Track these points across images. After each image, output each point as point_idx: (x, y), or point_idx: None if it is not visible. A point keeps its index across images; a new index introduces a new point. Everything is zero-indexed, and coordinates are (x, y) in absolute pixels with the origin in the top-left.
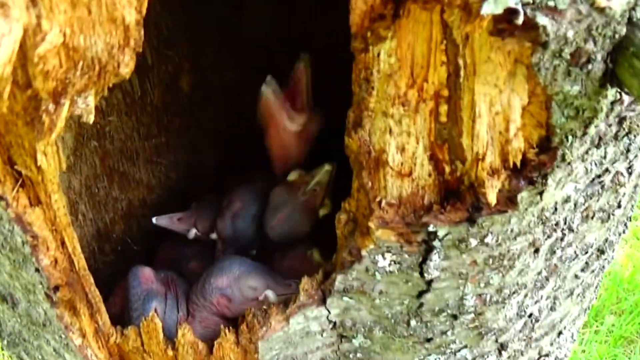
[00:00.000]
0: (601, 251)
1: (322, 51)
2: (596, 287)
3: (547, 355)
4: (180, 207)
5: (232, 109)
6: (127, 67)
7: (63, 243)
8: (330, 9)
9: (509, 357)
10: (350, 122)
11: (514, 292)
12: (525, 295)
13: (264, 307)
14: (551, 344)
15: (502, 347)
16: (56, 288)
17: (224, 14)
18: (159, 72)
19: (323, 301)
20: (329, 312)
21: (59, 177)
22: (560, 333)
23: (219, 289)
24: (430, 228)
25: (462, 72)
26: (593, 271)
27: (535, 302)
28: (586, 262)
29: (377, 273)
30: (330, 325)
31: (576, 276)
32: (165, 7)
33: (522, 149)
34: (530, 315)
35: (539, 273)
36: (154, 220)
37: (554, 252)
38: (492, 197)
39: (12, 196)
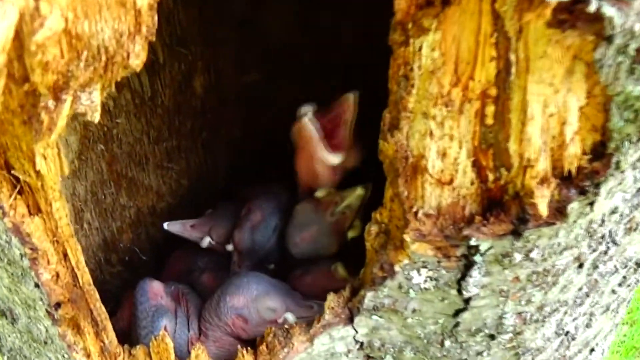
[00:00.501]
0: (639, 264)
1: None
2: (629, 302)
3: None
4: (191, 215)
5: (249, 113)
6: (137, 57)
7: (65, 256)
8: (356, 8)
9: None
10: (385, 124)
11: (554, 310)
12: (565, 313)
13: (286, 326)
14: None
15: None
16: (58, 305)
17: (244, 12)
18: (171, 72)
19: (350, 320)
20: (356, 331)
21: (61, 183)
22: (592, 350)
23: (234, 309)
24: (472, 242)
25: (513, 69)
26: (629, 285)
27: (573, 320)
28: (624, 276)
29: (411, 290)
30: (357, 346)
31: (613, 291)
32: (179, 1)
33: (578, 155)
34: (567, 333)
35: (580, 289)
36: (165, 225)
37: (597, 267)
38: (543, 208)
39: (9, 204)
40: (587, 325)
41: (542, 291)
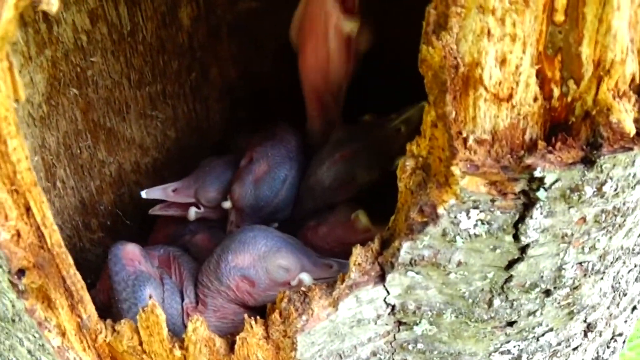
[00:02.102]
0: None
1: None
2: None
3: (620, 334)
4: (180, 172)
5: (245, 47)
6: None
7: (28, 210)
8: None
9: (591, 340)
10: (430, 23)
11: (616, 259)
12: (623, 263)
13: (302, 289)
14: (625, 321)
15: (588, 328)
16: (21, 272)
17: None
18: (154, 1)
19: (381, 278)
20: (388, 292)
21: (24, 128)
22: (634, 308)
23: (239, 269)
24: (537, 173)
25: None
26: None
27: (629, 272)
28: None
29: (457, 238)
30: (388, 310)
31: None
32: None
33: None
34: (618, 288)
35: None
36: (143, 194)
37: None
38: (629, 124)
39: None
40: (637, 279)
41: (608, 235)
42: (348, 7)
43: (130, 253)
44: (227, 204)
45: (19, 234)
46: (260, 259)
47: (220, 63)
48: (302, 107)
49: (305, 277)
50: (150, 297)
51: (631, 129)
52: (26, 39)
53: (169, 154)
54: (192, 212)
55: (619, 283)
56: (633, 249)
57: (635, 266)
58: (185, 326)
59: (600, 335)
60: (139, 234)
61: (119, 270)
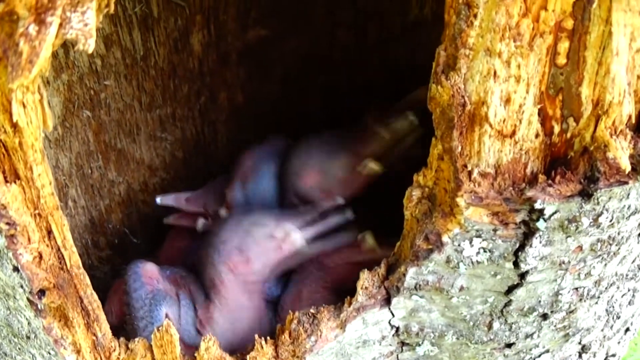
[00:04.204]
0: None
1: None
2: None
3: (613, 355)
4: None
5: (253, 74)
6: None
7: (50, 232)
8: None
9: None
10: (440, 64)
11: (610, 285)
12: (617, 288)
13: (312, 311)
14: (618, 343)
15: (583, 350)
16: (42, 292)
17: None
18: (167, 27)
19: (387, 302)
20: (393, 314)
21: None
22: (627, 330)
23: (230, 249)
24: (537, 205)
25: None
26: None
27: (622, 296)
28: None
29: (461, 264)
30: (392, 332)
31: None
32: None
33: None
34: (612, 312)
35: (633, 261)
36: (158, 199)
37: None
38: (625, 161)
39: None
40: (630, 303)
41: (603, 263)
42: None
43: (149, 271)
44: (222, 212)
45: (40, 256)
46: (246, 233)
47: (229, 88)
48: (305, 130)
49: (297, 237)
50: (167, 316)
51: (627, 166)
52: None
53: (176, 174)
54: (200, 223)
55: (613, 307)
56: (627, 275)
57: (629, 290)
58: (200, 333)
59: (595, 356)
60: (146, 252)
61: (138, 287)
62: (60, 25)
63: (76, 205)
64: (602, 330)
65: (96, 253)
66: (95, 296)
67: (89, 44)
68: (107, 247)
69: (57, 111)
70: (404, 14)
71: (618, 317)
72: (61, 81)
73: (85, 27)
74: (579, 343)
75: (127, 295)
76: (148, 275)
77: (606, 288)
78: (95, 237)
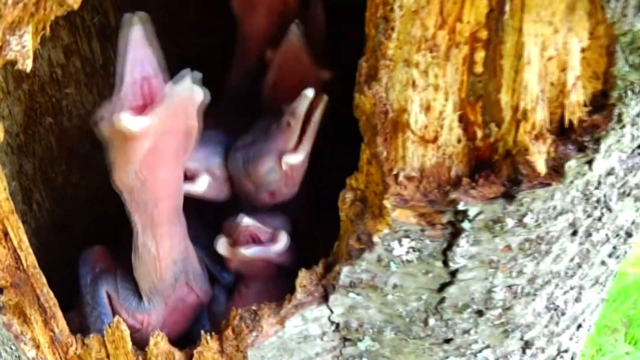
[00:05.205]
0: (629, 234)
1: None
2: (614, 276)
3: (565, 351)
4: None
5: (213, 79)
6: None
7: (6, 235)
8: None
9: (531, 356)
10: (362, 74)
11: (546, 283)
12: (556, 285)
13: (253, 307)
14: (570, 339)
15: (526, 345)
16: None
17: None
18: None
19: (325, 299)
20: (332, 311)
21: (3, 157)
22: (579, 326)
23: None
24: (460, 206)
25: (507, 7)
26: (618, 257)
27: (564, 293)
28: (614, 247)
29: (391, 263)
30: (333, 327)
31: (603, 262)
32: None
33: (580, 104)
34: (556, 308)
35: (572, 259)
36: None
37: (589, 235)
38: (540, 165)
39: None
40: (577, 300)
41: (534, 261)
42: None
43: (96, 254)
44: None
45: None
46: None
47: None
48: None
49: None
50: (108, 295)
51: (542, 169)
52: (5, 74)
53: None
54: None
55: (554, 303)
56: (566, 273)
57: (572, 288)
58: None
59: (544, 352)
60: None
61: (85, 274)
62: (0, 47)
63: (41, 208)
64: (547, 326)
65: (62, 254)
66: (52, 295)
67: (27, 64)
68: (72, 248)
69: (19, 119)
70: None
71: (563, 314)
72: (22, 90)
73: (23, 49)
74: (521, 339)
75: (78, 283)
76: (94, 258)
77: (542, 286)
78: (61, 239)
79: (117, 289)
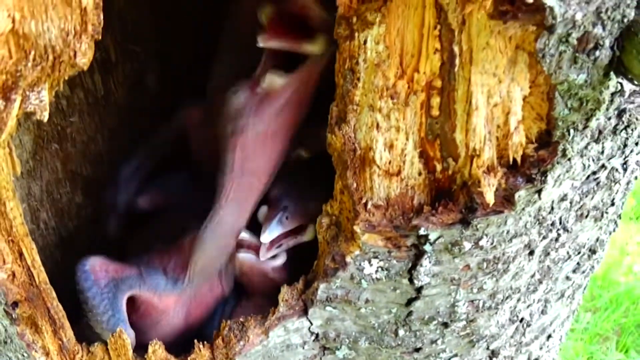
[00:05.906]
0: (593, 251)
1: None
2: (585, 288)
3: (537, 359)
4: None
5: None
6: (84, 56)
7: (21, 255)
8: None
9: None
10: (333, 117)
11: (507, 297)
12: (518, 300)
13: (241, 319)
14: (540, 348)
15: (493, 354)
16: (15, 304)
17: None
18: (124, 70)
19: (304, 312)
20: (311, 323)
21: (15, 182)
22: (549, 336)
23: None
24: (421, 231)
25: (457, 61)
26: (584, 272)
27: (528, 306)
28: (578, 263)
29: (363, 281)
30: (312, 337)
31: (567, 277)
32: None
33: (523, 144)
34: (521, 320)
35: (532, 276)
36: None
37: (548, 254)
38: (490, 197)
39: None
40: (543, 312)
41: (494, 278)
42: None
43: (98, 265)
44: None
45: (14, 274)
46: None
47: None
48: None
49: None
50: (133, 297)
51: (491, 200)
52: None
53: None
54: None
55: (517, 316)
56: (528, 288)
57: (537, 301)
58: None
59: None
60: None
61: (91, 285)
62: (22, 101)
63: (47, 226)
64: (513, 337)
65: (66, 269)
66: (61, 307)
67: (44, 116)
68: (75, 262)
69: (28, 147)
70: None
71: (529, 325)
72: (31, 121)
73: (40, 103)
74: (487, 348)
75: (82, 295)
76: (97, 269)
77: (502, 300)
78: (65, 255)
79: (143, 283)
